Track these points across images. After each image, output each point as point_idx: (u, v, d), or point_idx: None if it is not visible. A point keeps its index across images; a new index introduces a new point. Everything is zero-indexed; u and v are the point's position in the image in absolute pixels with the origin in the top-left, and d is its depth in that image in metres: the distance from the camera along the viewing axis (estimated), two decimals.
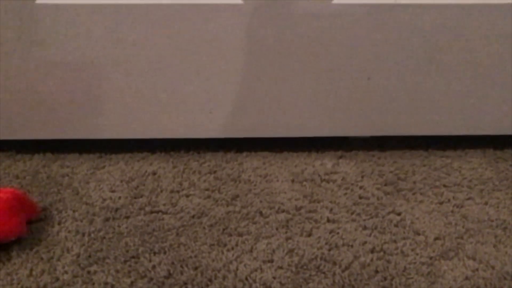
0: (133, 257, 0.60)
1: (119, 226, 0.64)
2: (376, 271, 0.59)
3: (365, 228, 0.64)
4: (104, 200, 0.68)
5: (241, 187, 0.70)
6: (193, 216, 0.66)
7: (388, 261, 0.60)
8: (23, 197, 0.62)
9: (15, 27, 0.64)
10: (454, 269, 0.60)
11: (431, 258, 0.61)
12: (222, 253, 0.61)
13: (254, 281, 0.58)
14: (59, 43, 0.65)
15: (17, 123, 0.72)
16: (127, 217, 0.65)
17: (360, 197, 0.69)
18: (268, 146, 0.77)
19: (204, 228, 0.64)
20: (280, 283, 0.58)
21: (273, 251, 0.61)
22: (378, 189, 0.70)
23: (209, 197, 0.69)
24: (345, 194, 0.69)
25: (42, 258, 0.60)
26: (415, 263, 0.60)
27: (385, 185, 0.71)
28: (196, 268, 0.59)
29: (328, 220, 0.65)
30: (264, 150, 0.76)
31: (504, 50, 0.68)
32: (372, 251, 0.61)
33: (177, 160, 0.74)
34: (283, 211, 0.67)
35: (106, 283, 0.57)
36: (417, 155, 0.76)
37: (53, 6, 0.63)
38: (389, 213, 0.67)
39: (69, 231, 0.63)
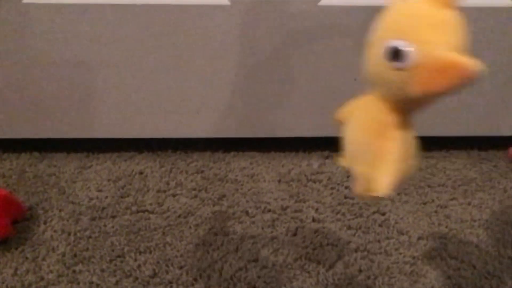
0: (118, 256, 0.60)
1: (105, 226, 0.64)
2: (360, 271, 0.60)
3: (349, 227, 0.65)
4: (91, 199, 0.68)
5: (228, 187, 0.71)
6: (179, 216, 0.66)
7: (372, 261, 0.61)
8: (8, 198, 0.62)
9: (3, 27, 0.64)
10: (436, 268, 0.61)
11: (414, 257, 0.62)
12: (208, 252, 0.61)
13: (239, 280, 0.58)
14: (46, 42, 0.65)
15: (4, 122, 0.72)
16: (113, 217, 0.65)
17: (345, 197, 0.70)
18: (255, 146, 0.77)
19: (190, 227, 0.64)
20: (265, 282, 0.58)
21: (258, 250, 0.62)
22: None
23: (195, 196, 0.69)
24: (331, 194, 0.70)
25: (27, 257, 0.60)
26: (398, 262, 0.61)
27: None
28: (181, 268, 0.59)
29: (313, 220, 0.66)
30: (251, 150, 0.77)
31: (490, 52, 0.69)
32: (356, 250, 0.62)
33: (164, 160, 0.75)
34: (269, 210, 0.67)
35: (91, 282, 0.57)
36: None
37: (39, 6, 0.63)
38: (373, 213, 0.67)
39: (54, 230, 0.63)
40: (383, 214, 0.67)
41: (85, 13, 0.64)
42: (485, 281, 0.59)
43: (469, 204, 0.69)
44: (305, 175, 0.73)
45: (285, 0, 0.64)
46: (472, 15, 0.66)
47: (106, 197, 0.68)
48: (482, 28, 0.67)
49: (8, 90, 0.69)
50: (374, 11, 0.70)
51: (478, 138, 0.78)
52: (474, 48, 0.72)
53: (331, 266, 0.60)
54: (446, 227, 0.66)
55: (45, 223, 0.64)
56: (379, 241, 0.64)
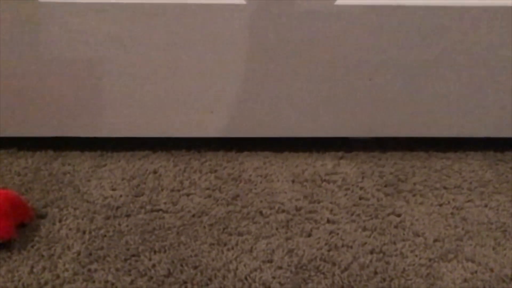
0: (133, 255, 0.60)
1: (119, 225, 0.64)
2: (375, 272, 0.59)
3: (365, 229, 0.65)
4: (105, 198, 0.68)
5: (242, 186, 0.71)
6: (193, 215, 0.66)
7: (388, 263, 0.61)
8: (15, 200, 0.61)
9: (18, 25, 0.64)
10: (453, 271, 0.60)
11: (430, 260, 0.61)
12: (222, 252, 0.61)
13: (254, 280, 0.58)
14: (61, 41, 0.65)
15: (19, 120, 0.72)
16: (128, 216, 0.65)
17: (360, 198, 0.69)
18: (269, 146, 0.77)
19: (204, 227, 0.64)
20: (280, 283, 0.58)
21: (273, 251, 0.61)
22: (378, 190, 0.71)
23: (209, 196, 0.69)
24: (345, 195, 0.70)
25: (43, 256, 0.60)
26: (414, 264, 0.60)
27: (385, 186, 0.71)
28: (196, 267, 0.59)
29: (328, 221, 0.66)
30: (264, 150, 0.77)
31: (505, 52, 0.68)
32: (372, 252, 0.62)
33: (178, 159, 0.75)
34: (283, 211, 0.67)
35: (106, 281, 0.57)
36: (417, 157, 0.76)
37: (55, 5, 0.63)
38: (389, 214, 0.67)
39: (70, 229, 0.63)
40: (399, 215, 0.67)
41: (101, 12, 0.64)
42: (502, 284, 0.59)
43: (485, 206, 0.69)
44: (319, 176, 0.73)
45: (301, 0, 0.63)
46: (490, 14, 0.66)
47: (121, 196, 0.68)
48: (494, 28, 0.67)
49: (24, 89, 0.69)
50: (390, 10, 0.70)
51: (494, 139, 0.77)
52: (490, 48, 0.72)
53: (346, 268, 0.60)
54: (463, 229, 0.65)
55: (60, 221, 0.64)
56: (394, 242, 0.63)
